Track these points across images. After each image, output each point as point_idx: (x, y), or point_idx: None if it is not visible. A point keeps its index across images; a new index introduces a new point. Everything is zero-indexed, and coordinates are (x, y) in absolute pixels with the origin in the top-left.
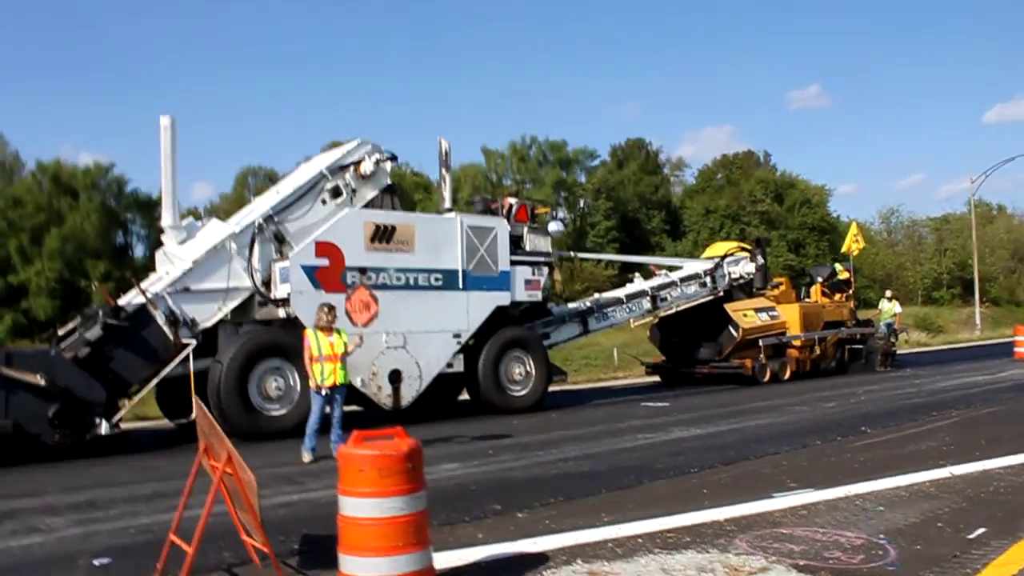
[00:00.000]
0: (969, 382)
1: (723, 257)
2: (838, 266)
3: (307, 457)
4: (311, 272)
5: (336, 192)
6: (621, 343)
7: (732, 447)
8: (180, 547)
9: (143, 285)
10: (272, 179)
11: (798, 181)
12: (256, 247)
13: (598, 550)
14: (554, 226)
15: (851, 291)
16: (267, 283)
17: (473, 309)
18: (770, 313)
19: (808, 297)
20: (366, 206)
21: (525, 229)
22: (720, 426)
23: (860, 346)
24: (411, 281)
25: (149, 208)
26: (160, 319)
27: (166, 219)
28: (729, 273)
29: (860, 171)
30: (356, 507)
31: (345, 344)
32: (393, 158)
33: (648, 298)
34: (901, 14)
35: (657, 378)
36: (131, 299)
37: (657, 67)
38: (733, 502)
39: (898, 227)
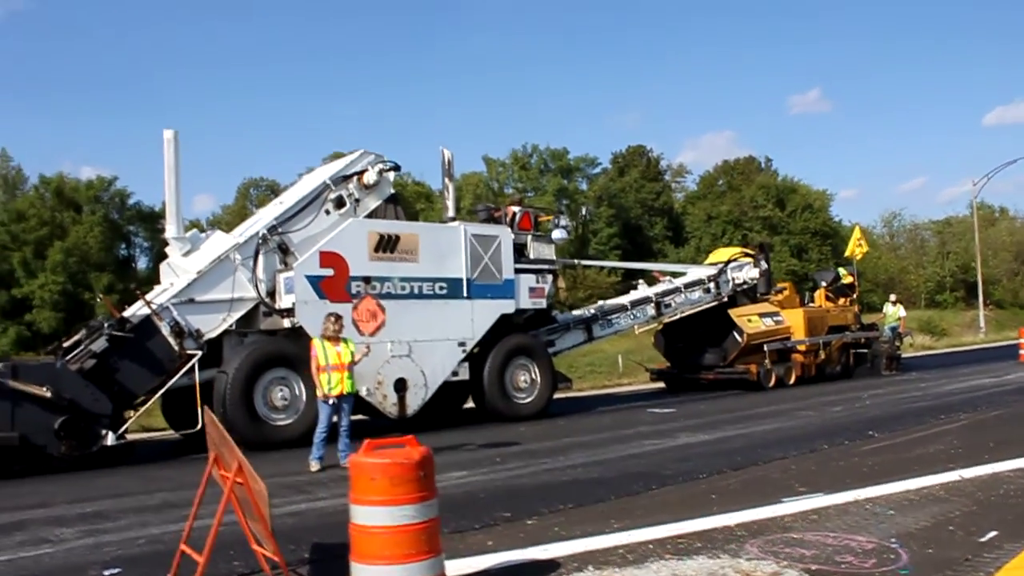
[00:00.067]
0: (975, 385)
1: (727, 263)
2: (842, 270)
3: (315, 466)
4: (315, 282)
5: (340, 202)
6: (625, 350)
7: (740, 452)
8: (191, 557)
9: (148, 297)
10: (274, 190)
11: (800, 186)
12: (260, 258)
13: (609, 556)
14: (558, 233)
15: (855, 295)
16: (272, 293)
17: (478, 317)
18: (774, 318)
19: (812, 302)
20: (369, 216)
21: (529, 237)
22: (727, 431)
23: (865, 350)
24: (415, 290)
25: (152, 220)
26: (165, 330)
27: (170, 231)
28: (733, 279)
29: (861, 175)
30: (368, 515)
31: (352, 353)
32: (396, 168)
33: (652, 304)
34: (900, 18)
35: (662, 384)
36: (136, 311)
37: (657, 74)
38: (743, 507)
39: (900, 231)
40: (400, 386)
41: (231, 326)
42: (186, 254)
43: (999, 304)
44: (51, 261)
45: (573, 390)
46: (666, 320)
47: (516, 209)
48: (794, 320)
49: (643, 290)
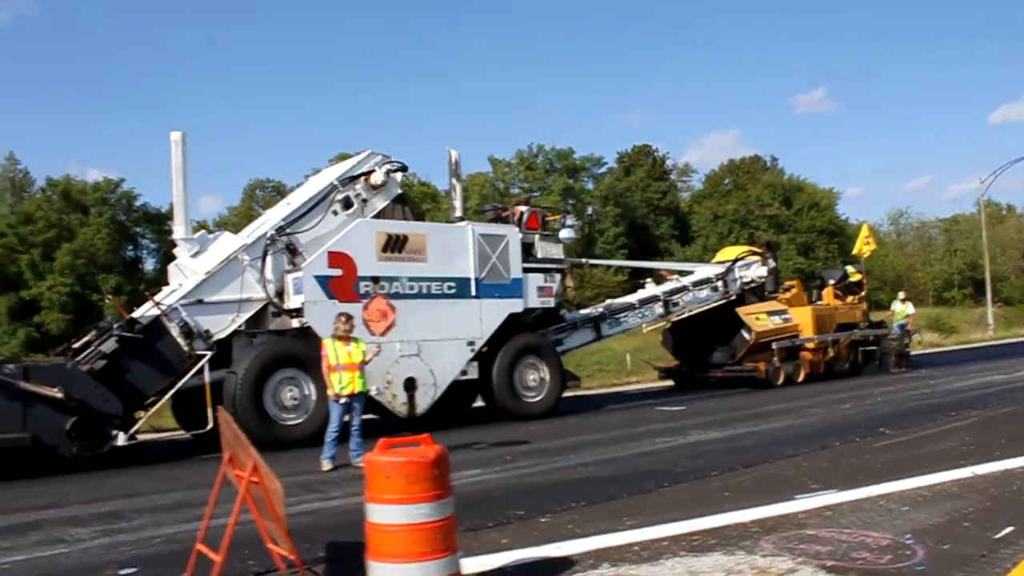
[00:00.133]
0: (985, 382)
1: (734, 261)
2: (850, 268)
3: (327, 466)
4: (324, 282)
5: (347, 203)
6: (633, 348)
7: (751, 450)
8: (207, 556)
9: (157, 298)
10: (280, 192)
11: (806, 185)
12: (269, 258)
13: (624, 553)
14: (565, 233)
15: (864, 293)
16: (280, 294)
17: (486, 316)
18: (782, 316)
19: (820, 300)
20: (377, 216)
21: (536, 236)
22: (737, 429)
23: (874, 348)
24: (424, 290)
25: (159, 222)
26: (174, 331)
27: (179, 232)
28: (740, 277)
29: (867, 173)
30: (384, 514)
31: (363, 353)
32: (403, 168)
33: (660, 303)
34: (905, 16)
35: (670, 382)
36: (145, 312)
37: (661, 74)
38: (756, 504)
39: (907, 228)
40: (409, 385)
41: (240, 327)
42: (194, 255)
43: (1007, 301)
44: (59, 263)
45: (581, 388)
46: (674, 318)
47: (524, 209)
48: (802, 318)
49: (651, 289)
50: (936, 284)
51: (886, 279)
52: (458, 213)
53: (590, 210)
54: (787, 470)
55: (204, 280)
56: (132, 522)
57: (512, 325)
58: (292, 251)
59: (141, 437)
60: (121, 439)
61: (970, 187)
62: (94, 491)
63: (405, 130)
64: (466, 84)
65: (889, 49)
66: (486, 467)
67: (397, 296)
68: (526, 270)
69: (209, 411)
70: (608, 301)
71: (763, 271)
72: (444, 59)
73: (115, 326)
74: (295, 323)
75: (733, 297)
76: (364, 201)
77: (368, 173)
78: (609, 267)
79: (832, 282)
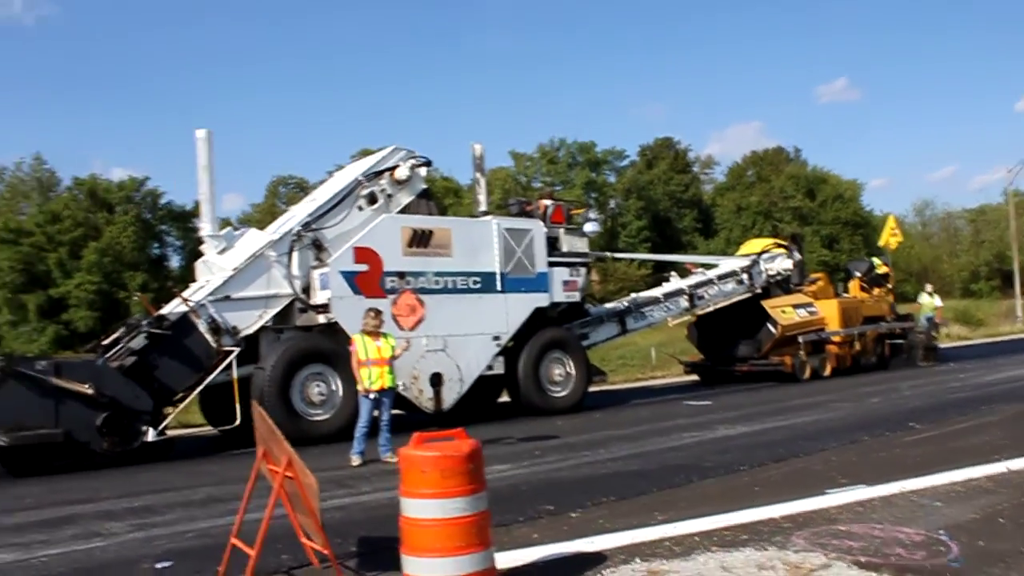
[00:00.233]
0: (1015, 375)
1: (759, 254)
2: (876, 260)
3: (356, 461)
4: (350, 278)
5: (372, 198)
6: (657, 342)
7: (780, 444)
8: (241, 550)
9: (185, 294)
10: (303, 188)
11: (830, 176)
12: (295, 254)
13: (655, 548)
14: (590, 226)
15: (890, 285)
16: (307, 289)
17: (512, 311)
18: (808, 309)
19: (846, 292)
20: (402, 211)
21: (561, 230)
22: (765, 423)
23: (901, 341)
24: (450, 284)
25: (183, 219)
26: (202, 327)
27: (205, 229)
28: (766, 270)
29: (891, 164)
30: (419, 508)
31: (392, 348)
32: (428, 163)
33: (685, 297)
34: (928, 4)
35: (696, 377)
36: (173, 308)
37: (682, 66)
38: (786, 499)
39: (933, 220)
40: (436, 380)
41: (267, 322)
42: (221, 252)
43: None
44: (86, 261)
45: (607, 383)
46: (699, 312)
47: (548, 202)
48: (828, 311)
49: (676, 282)
50: (963, 276)
51: (912, 271)
52: (483, 207)
53: (612, 203)
54: (816, 465)
55: (231, 276)
56: (165, 516)
57: (538, 319)
58: (318, 247)
59: (170, 433)
60: (151, 435)
61: (996, 177)
62: (126, 486)
63: (427, 125)
64: (488, 79)
65: (912, 37)
66: (515, 462)
67: (423, 291)
68: (551, 264)
69: (237, 407)
70: (633, 295)
71: (788, 264)
72: (466, 54)
73: (144, 323)
74: (322, 319)
75: (759, 290)
76: (389, 196)
77: (393, 168)
78: (633, 261)
79: (858, 274)
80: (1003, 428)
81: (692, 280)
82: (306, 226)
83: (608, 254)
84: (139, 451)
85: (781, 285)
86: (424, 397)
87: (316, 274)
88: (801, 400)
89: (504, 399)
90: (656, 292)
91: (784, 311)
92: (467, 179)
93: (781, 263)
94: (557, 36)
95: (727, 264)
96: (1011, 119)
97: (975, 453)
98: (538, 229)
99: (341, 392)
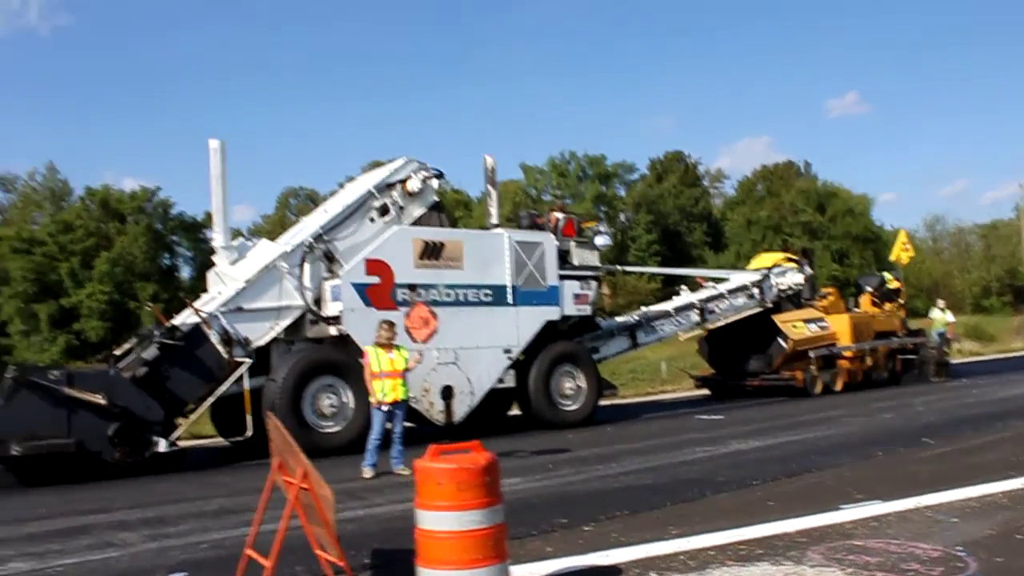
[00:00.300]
0: None
1: (770, 268)
2: (887, 275)
3: (368, 473)
4: (362, 290)
5: (384, 210)
6: (667, 356)
7: (793, 459)
8: (256, 561)
9: (196, 305)
10: (313, 200)
11: (840, 190)
12: (307, 266)
13: (670, 563)
14: (601, 240)
15: (902, 300)
16: (318, 301)
17: (523, 324)
18: (819, 324)
19: (857, 307)
20: (414, 223)
21: (572, 243)
22: (778, 438)
23: (912, 356)
24: (461, 297)
25: (194, 230)
26: (214, 338)
27: (218, 240)
28: (777, 284)
29: (902, 179)
30: (435, 520)
31: (406, 360)
32: (440, 175)
33: (696, 311)
34: (938, 18)
35: (706, 391)
36: (185, 319)
37: (692, 80)
38: (801, 514)
39: (944, 235)
40: (447, 393)
41: (279, 334)
42: (233, 263)
43: None
44: (98, 271)
45: (617, 397)
46: (710, 327)
47: (559, 216)
48: (840, 326)
49: (687, 296)
50: (974, 291)
51: (923, 286)
52: (494, 220)
53: (622, 217)
54: (830, 480)
55: (243, 288)
56: (178, 527)
57: (549, 333)
58: (330, 258)
59: (181, 444)
60: (162, 445)
61: (1008, 192)
62: (139, 496)
63: (437, 137)
64: (498, 91)
65: (923, 51)
66: (527, 475)
67: (434, 303)
68: (562, 277)
69: (248, 418)
70: (644, 309)
71: (799, 278)
72: (476, 67)
73: (156, 333)
74: (333, 331)
75: (769, 305)
76: (401, 208)
77: (404, 180)
78: (642, 274)
79: (869, 289)
80: (1018, 444)
81: (703, 294)
82: (318, 238)
83: (619, 267)
84: (151, 461)
85: (792, 300)
86: (435, 410)
87: (328, 286)
88: (813, 415)
89: (515, 412)
90: (667, 306)
91: (795, 326)
92: (477, 192)
93: (792, 277)
94: (567, 49)
95: (738, 278)
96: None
97: (990, 469)
98: (549, 242)
99: (352, 404)
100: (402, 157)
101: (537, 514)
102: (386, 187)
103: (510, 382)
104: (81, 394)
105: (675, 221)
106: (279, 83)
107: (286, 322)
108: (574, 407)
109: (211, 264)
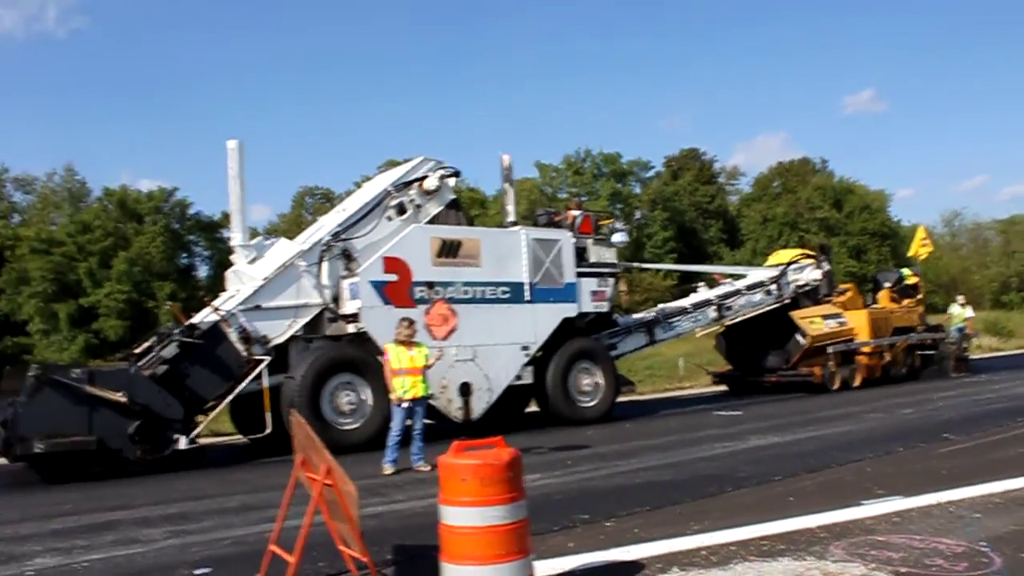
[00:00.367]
0: None
1: (788, 264)
2: (906, 271)
3: (388, 469)
4: (380, 287)
5: (401, 209)
6: (684, 353)
7: (812, 455)
8: (280, 557)
9: (215, 303)
10: (329, 199)
11: (857, 187)
12: (325, 264)
13: (692, 558)
14: (618, 237)
15: (920, 296)
16: (336, 299)
17: (540, 321)
18: (838, 320)
19: (876, 303)
20: (431, 221)
21: (590, 241)
22: (797, 434)
23: (931, 352)
24: (478, 295)
25: (211, 230)
26: (233, 336)
27: (236, 239)
28: (794, 280)
29: (919, 175)
30: (458, 516)
31: (426, 357)
32: (457, 174)
33: (714, 307)
34: (955, 14)
35: (724, 387)
36: (204, 317)
37: (707, 76)
38: (822, 509)
39: (962, 230)
40: (465, 390)
41: (297, 332)
42: (252, 261)
43: None
44: (116, 271)
45: (635, 394)
46: (728, 323)
47: (576, 213)
48: (858, 322)
49: (704, 293)
50: (993, 287)
51: (941, 282)
52: (511, 218)
53: (638, 214)
54: (850, 475)
55: (262, 286)
56: (201, 523)
57: (566, 330)
58: (348, 257)
59: (201, 441)
60: (182, 443)
61: None
62: (161, 493)
63: (452, 136)
64: (513, 89)
65: (940, 47)
66: (546, 471)
67: (452, 301)
68: (580, 274)
69: (267, 416)
70: (661, 305)
71: (817, 274)
72: (491, 66)
73: (176, 332)
74: (351, 328)
75: (787, 301)
76: (418, 207)
77: (422, 179)
78: (658, 271)
79: (888, 285)
80: None
81: (720, 291)
82: (336, 236)
83: (635, 264)
84: (171, 459)
85: (810, 295)
86: (453, 407)
87: (346, 284)
88: (831, 411)
89: (532, 409)
90: (684, 302)
91: (813, 322)
92: (492, 190)
93: (810, 274)
94: (582, 47)
95: (755, 275)
96: None
97: (1012, 465)
98: (566, 239)
99: (371, 401)
100: (416, 156)
101: (558, 510)
102: (403, 185)
103: (528, 379)
104: (102, 392)
105: (691, 218)
106: (294, 82)
107: (304, 320)
108: (592, 404)
109: (228, 263)
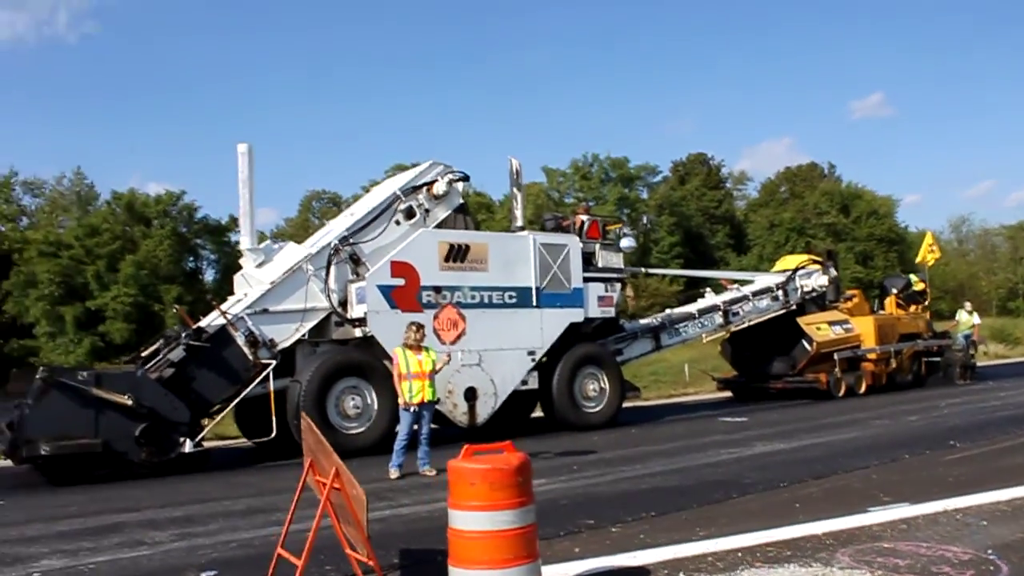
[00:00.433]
0: None
1: (795, 270)
2: (913, 277)
3: (395, 474)
4: (387, 292)
5: (409, 213)
6: (689, 359)
7: (819, 461)
8: (287, 560)
9: (222, 307)
10: (336, 203)
11: (864, 192)
12: (332, 268)
13: (699, 564)
14: (626, 242)
15: (927, 302)
16: (344, 303)
17: (547, 326)
18: (844, 326)
19: (882, 309)
20: (439, 226)
21: (597, 246)
22: (803, 440)
23: (937, 359)
24: (485, 299)
25: (218, 233)
26: (240, 340)
27: (244, 242)
28: (801, 286)
29: (926, 180)
30: (467, 520)
31: (433, 361)
32: (466, 178)
33: (720, 313)
34: (962, 19)
35: (729, 393)
36: (211, 321)
37: (714, 81)
38: (828, 516)
39: (969, 236)
40: (470, 395)
41: (304, 336)
42: (260, 265)
43: None
44: (123, 274)
45: (640, 399)
46: (734, 329)
47: (584, 218)
48: (864, 328)
49: (711, 298)
50: (1000, 293)
51: (948, 288)
52: (519, 222)
53: (645, 219)
54: (857, 482)
55: (269, 290)
56: (207, 526)
57: (572, 335)
58: (355, 261)
59: (206, 444)
60: (188, 446)
61: None
62: (166, 496)
63: (459, 140)
64: (520, 94)
65: (947, 53)
66: (552, 476)
67: (459, 305)
68: (587, 279)
69: (273, 419)
70: (667, 311)
71: (824, 280)
72: (498, 70)
73: (183, 335)
74: (358, 332)
75: (793, 307)
76: (426, 211)
77: (430, 183)
78: (664, 276)
79: (894, 291)
80: None
81: (727, 296)
82: (344, 240)
83: (642, 270)
84: (176, 462)
85: (816, 302)
86: (458, 411)
87: (353, 288)
88: (837, 417)
89: (538, 414)
90: (691, 308)
91: (819, 328)
92: (499, 195)
93: (816, 279)
94: (590, 51)
95: (762, 280)
96: None
97: (1019, 472)
98: (574, 244)
99: (376, 406)
100: (423, 161)
101: (564, 515)
102: (412, 190)
103: (533, 384)
104: (109, 395)
105: (698, 223)
106: (301, 87)
107: (311, 324)
108: (597, 409)
109: (235, 267)
